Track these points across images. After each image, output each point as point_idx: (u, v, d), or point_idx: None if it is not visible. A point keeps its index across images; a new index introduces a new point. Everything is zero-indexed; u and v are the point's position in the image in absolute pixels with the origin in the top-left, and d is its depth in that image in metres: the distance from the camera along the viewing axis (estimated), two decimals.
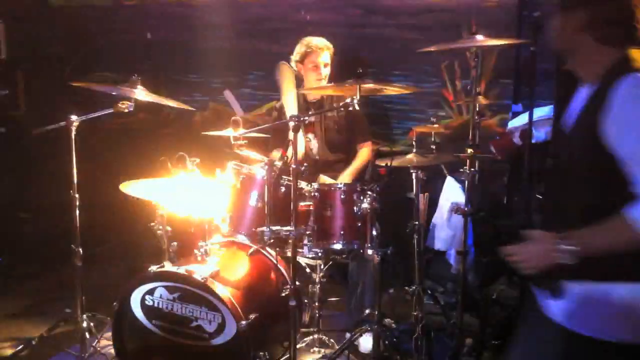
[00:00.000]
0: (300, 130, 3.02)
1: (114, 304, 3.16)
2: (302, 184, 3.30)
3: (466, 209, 3.45)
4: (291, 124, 2.98)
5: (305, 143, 4.25)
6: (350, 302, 3.91)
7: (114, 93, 3.54)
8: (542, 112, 3.87)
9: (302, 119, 3.03)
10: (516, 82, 4.59)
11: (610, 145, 1.81)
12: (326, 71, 4.23)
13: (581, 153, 1.93)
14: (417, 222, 3.58)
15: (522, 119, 4.04)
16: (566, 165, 2.02)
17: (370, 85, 3.35)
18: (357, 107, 3.17)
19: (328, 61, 4.24)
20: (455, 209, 3.55)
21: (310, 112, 4.14)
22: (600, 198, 1.87)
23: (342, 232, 3.29)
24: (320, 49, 4.21)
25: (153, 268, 3.13)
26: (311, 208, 3.31)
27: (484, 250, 4.10)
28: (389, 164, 3.51)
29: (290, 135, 3.01)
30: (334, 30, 4.86)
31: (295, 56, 4.29)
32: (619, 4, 1.91)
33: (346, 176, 4.14)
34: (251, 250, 3.37)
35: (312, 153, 4.31)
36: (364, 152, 4.33)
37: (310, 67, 4.23)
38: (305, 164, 3.25)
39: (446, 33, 4.54)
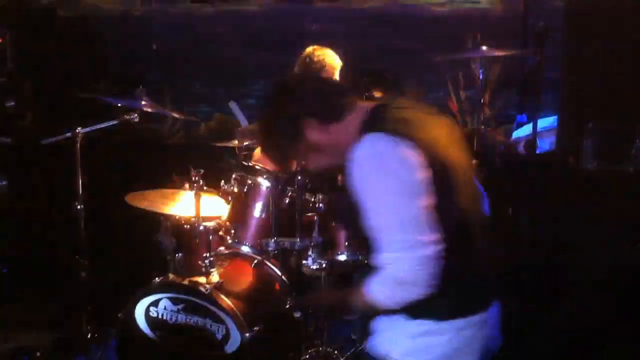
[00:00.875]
0: None
1: (119, 315, 3.16)
2: (307, 195, 3.30)
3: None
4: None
5: None
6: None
7: (120, 104, 3.56)
8: (547, 122, 3.87)
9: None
10: (521, 92, 4.60)
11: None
12: None
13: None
14: None
15: (526, 129, 4.04)
16: None
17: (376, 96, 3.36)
18: None
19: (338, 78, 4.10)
20: None
21: None
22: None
23: (347, 244, 3.28)
24: (334, 69, 4.02)
25: (157, 279, 3.13)
26: (316, 219, 3.31)
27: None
28: None
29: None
30: (339, 40, 4.87)
31: (302, 69, 4.12)
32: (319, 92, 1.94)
33: None
34: (255, 261, 3.36)
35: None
36: None
37: None
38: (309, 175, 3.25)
39: (451, 44, 4.55)
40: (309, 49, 4.10)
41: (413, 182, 1.74)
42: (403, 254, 1.74)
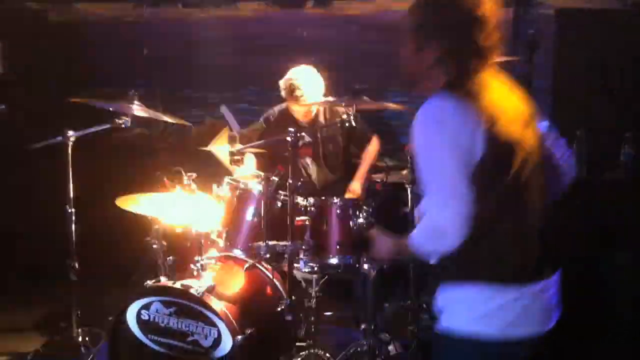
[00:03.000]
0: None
1: (110, 318, 3.16)
2: (298, 199, 3.31)
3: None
4: (289, 138, 3.00)
5: (303, 168, 4.20)
6: (347, 316, 3.91)
7: (111, 108, 3.56)
8: None
9: (299, 134, 3.05)
10: None
11: None
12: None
13: None
14: None
15: None
16: None
17: (366, 102, 3.38)
18: (353, 124, 3.20)
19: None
20: None
21: (304, 132, 4.09)
22: None
23: (338, 247, 3.30)
24: (315, 94, 4.04)
25: (149, 282, 3.14)
26: (307, 223, 3.32)
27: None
28: (384, 179, 3.53)
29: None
30: (330, 46, 4.90)
31: (286, 95, 4.14)
32: (467, 34, 1.96)
33: (358, 179, 4.12)
34: (247, 265, 3.37)
35: (311, 179, 4.25)
36: (371, 149, 4.30)
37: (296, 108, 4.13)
38: (302, 179, 3.27)
39: None
40: (290, 76, 4.09)
41: (465, 142, 1.83)
42: (441, 203, 1.85)
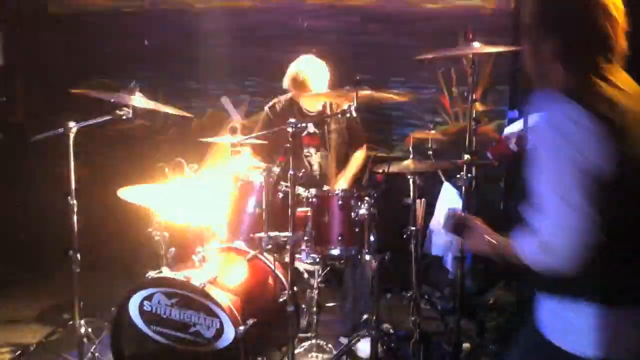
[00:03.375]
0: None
1: (112, 309, 3.16)
2: (300, 190, 3.31)
3: (463, 214, 3.45)
4: (290, 129, 2.99)
5: (305, 158, 4.18)
6: (344, 306, 3.92)
7: (112, 100, 3.55)
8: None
9: (300, 124, 3.04)
10: (512, 88, 4.62)
11: None
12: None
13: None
14: (414, 228, 3.60)
15: (518, 125, 4.06)
16: None
17: (367, 93, 3.37)
18: (354, 114, 3.19)
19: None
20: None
21: (307, 121, 4.08)
22: None
23: (339, 238, 3.31)
24: (320, 85, 4.00)
25: (151, 274, 3.14)
26: (309, 214, 3.33)
27: (480, 256, 4.11)
28: (386, 170, 3.52)
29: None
30: (331, 37, 4.89)
31: (291, 86, 4.11)
32: (591, 25, 1.79)
33: (342, 183, 4.12)
34: (249, 256, 3.38)
35: (313, 169, 4.19)
36: (357, 156, 4.28)
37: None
38: (303, 170, 3.26)
39: (443, 40, 4.56)
40: (294, 66, 4.06)
41: (591, 158, 1.67)
42: (557, 221, 1.70)
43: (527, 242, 1.78)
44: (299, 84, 4.01)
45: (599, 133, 1.67)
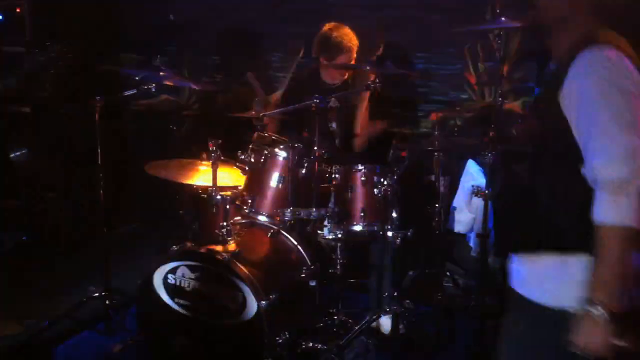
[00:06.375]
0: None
1: (138, 282, 3.21)
2: (323, 166, 3.31)
3: (487, 191, 3.44)
4: (314, 105, 2.99)
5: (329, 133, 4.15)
6: (368, 282, 3.92)
7: (137, 75, 3.58)
8: None
9: (325, 100, 3.03)
10: (540, 64, 4.54)
11: (567, 113, 1.81)
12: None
13: (547, 126, 1.94)
14: (437, 205, 3.59)
15: None
16: (537, 142, 2.05)
17: (391, 69, 3.35)
18: (379, 90, 3.17)
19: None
20: (476, 191, 3.54)
21: (332, 96, 4.05)
22: (570, 177, 1.84)
23: (362, 214, 3.31)
24: (351, 50, 3.94)
25: (176, 247, 3.18)
26: (332, 190, 3.33)
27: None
28: (409, 147, 3.51)
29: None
30: (356, 11, 4.84)
31: (318, 49, 4.04)
32: None
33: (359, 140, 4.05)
34: (272, 231, 3.39)
35: (336, 143, 4.21)
36: (379, 124, 4.16)
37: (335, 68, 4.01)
38: (327, 146, 3.26)
39: (469, 15, 4.50)
40: (326, 29, 4.00)
41: (635, 92, 1.75)
42: (618, 131, 1.71)
43: (603, 203, 1.70)
44: (331, 47, 3.94)
45: (630, 66, 1.78)
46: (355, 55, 4.01)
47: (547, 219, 1.91)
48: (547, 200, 1.92)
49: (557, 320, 1.82)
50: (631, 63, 1.81)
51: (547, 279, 1.89)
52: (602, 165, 1.71)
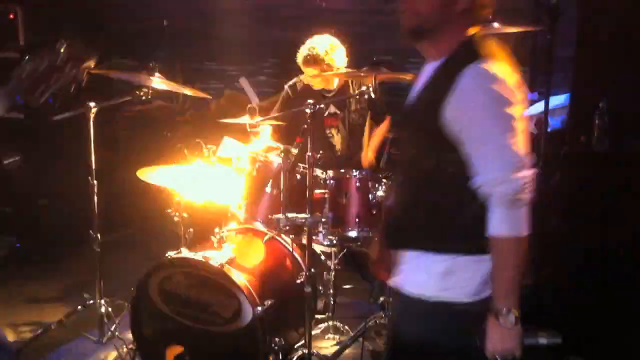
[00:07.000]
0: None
1: (132, 289, 3.20)
2: (317, 172, 3.31)
3: None
4: (308, 110, 2.99)
5: (327, 138, 4.15)
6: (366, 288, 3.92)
7: (131, 81, 3.57)
8: (558, 100, 3.84)
9: (318, 106, 3.03)
10: (532, 70, 4.56)
11: (451, 128, 1.81)
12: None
13: (419, 131, 1.96)
14: None
15: (537, 108, 4.03)
16: (405, 146, 2.06)
17: (385, 73, 3.35)
18: (372, 95, 3.17)
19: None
20: None
21: (328, 101, 4.04)
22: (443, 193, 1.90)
23: (357, 220, 3.31)
24: (319, 62, 3.92)
25: (170, 254, 3.16)
26: (326, 195, 3.33)
27: None
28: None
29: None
30: (350, 17, 4.86)
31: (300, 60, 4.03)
32: None
33: (372, 150, 4.03)
34: (267, 237, 3.39)
35: (335, 149, 4.17)
36: (384, 125, 4.16)
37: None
38: (321, 151, 3.26)
39: None
40: (307, 45, 3.97)
41: (518, 109, 1.79)
42: (512, 172, 1.76)
43: (498, 216, 1.78)
44: (311, 60, 3.93)
45: (514, 82, 1.81)
46: (344, 63, 4.02)
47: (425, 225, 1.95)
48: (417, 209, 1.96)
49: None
50: (510, 73, 1.83)
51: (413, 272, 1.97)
52: (497, 180, 1.77)
